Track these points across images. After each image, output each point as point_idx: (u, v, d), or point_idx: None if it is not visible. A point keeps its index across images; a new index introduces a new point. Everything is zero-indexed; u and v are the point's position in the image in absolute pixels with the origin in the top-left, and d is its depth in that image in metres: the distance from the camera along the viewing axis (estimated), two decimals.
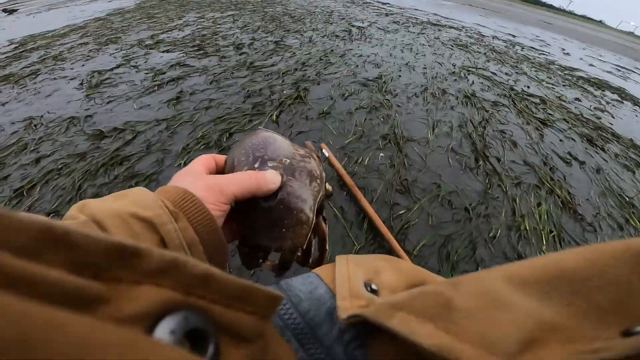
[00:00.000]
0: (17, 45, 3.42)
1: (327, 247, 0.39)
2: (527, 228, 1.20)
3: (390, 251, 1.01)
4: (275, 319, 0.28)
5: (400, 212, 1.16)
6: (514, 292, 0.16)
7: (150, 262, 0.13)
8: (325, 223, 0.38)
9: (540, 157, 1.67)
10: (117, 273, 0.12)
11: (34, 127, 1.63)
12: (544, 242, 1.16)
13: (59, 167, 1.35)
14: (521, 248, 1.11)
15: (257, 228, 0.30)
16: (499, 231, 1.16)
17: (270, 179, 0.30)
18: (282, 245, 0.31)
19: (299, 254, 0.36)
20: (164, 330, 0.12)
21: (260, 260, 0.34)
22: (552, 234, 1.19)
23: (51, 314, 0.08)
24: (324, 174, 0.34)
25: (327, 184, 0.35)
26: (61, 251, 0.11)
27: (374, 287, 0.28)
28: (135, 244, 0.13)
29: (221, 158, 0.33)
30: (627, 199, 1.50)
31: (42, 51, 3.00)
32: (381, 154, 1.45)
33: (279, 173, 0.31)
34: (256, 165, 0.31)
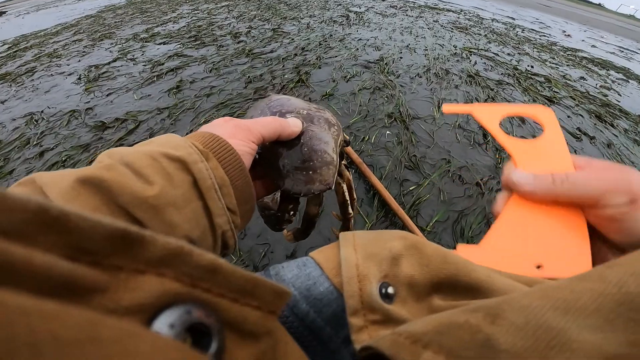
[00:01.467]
0: (10, 45, 3.40)
1: (355, 194, 0.40)
2: None
3: (403, 228, 1.00)
4: None
5: (411, 188, 1.15)
6: (571, 325, 0.13)
7: (155, 250, 0.12)
8: (348, 170, 0.38)
9: None
10: (118, 261, 0.11)
11: (35, 122, 1.62)
12: None
13: (63, 159, 1.34)
14: None
15: (284, 175, 0.31)
16: None
17: (293, 122, 0.30)
18: (311, 188, 0.30)
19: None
20: (163, 323, 0.11)
21: (290, 213, 0.34)
22: None
23: (40, 305, 0.07)
24: (339, 123, 0.36)
25: (343, 133, 0.36)
26: (56, 235, 0.10)
27: (390, 290, 0.23)
28: (140, 230, 0.12)
29: (233, 120, 0.34)
30: None
31: (36, 50, 2.97)
32: (387, 132, 1.43)
33: (300, 120, 0.32)
34: None
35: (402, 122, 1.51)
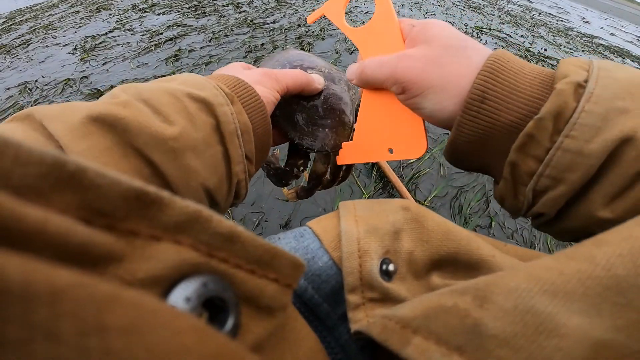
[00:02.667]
0: (5, 19, 3.34)
1: (352, 170, 0.40)
2: None
3: None
4: None
5: (411, 161, 1.12)
6: (559, 310, 0.13)
7: (172, 213, 0.11)
8: None
9: None
10: (134, 225, 0.10)
11: (29, 91, 1.60)
12: None
13: None
14: None
15: (299, 128, 0.30)
16: None
17: (316, 79, 0.30)
18: (325, 145, 0.30)
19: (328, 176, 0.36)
20: (179, 297, 0.10)
21: (300, 169, 0.34)
22: None
23: (57, 274, 0.07)
24: (357, 87, 0.36)
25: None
26: (72, 193, 0.09)
27: (391, 268, 0.22)
28: (158, 190, 0.10)
29: (253, 67, 0.32)
30: None
31: (31, 23, 2.91)
32: None
33: (322, 78, 0.31)
34: None
35: None
